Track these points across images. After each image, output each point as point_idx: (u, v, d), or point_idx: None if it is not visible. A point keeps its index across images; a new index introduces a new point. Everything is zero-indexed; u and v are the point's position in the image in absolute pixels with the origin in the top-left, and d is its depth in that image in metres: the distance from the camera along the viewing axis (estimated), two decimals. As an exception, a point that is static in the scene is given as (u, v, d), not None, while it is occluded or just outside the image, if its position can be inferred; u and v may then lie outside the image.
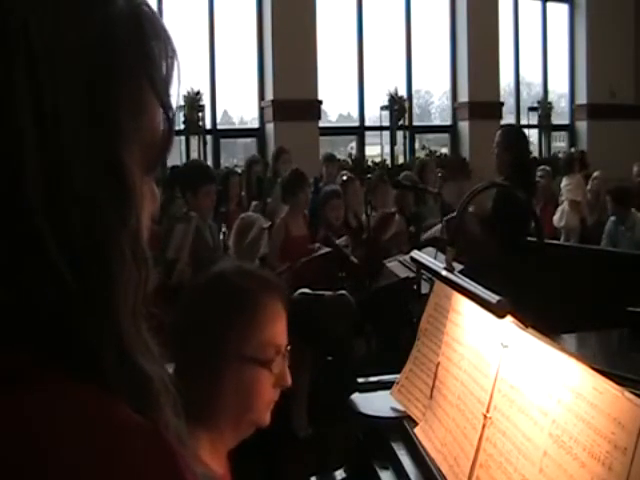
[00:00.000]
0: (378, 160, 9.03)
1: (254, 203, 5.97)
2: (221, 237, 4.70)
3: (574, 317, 2.66)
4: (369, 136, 9.15)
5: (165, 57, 0.60)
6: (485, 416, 1.46)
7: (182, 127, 7.48)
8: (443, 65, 9.64)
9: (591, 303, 3.75)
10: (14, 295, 0.53)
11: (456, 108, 9.60)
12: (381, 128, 8.93)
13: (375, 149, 9.23)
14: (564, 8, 10.65)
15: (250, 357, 1.34)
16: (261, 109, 8.26)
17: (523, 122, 10.13)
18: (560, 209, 7.78)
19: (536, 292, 2.02)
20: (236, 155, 8.92)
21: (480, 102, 9.27)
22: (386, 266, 4.62)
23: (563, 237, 7.59)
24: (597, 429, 1.14)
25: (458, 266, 2.04)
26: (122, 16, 0.58)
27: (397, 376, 1.96)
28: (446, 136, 9.81)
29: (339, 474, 1.97)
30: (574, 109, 10.70)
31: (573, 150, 9.32)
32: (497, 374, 1.47)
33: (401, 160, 9.09)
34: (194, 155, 7.61)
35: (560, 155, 10.08)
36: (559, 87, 10.97)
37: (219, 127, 8.28)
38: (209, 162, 7.61)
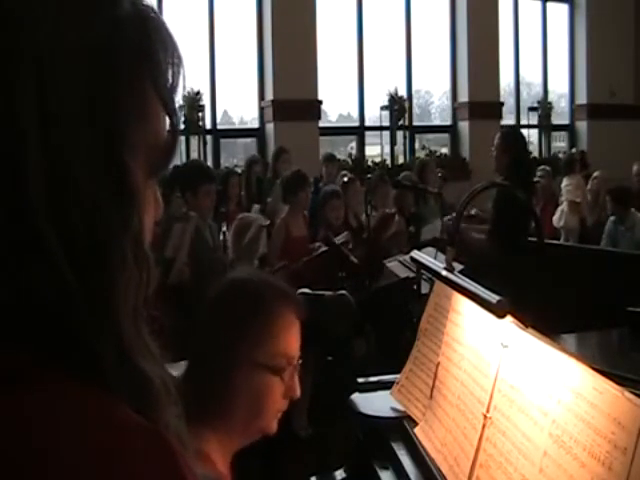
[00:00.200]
0: (378, 160, 9.02)
1: (256, 206, 5.96)
2: (221, 237, 4.70)
3: (574, 317, 2.66)
4: (369, 136, 9.15)
5: (171, 63, 0.61)
6: (485, 416, 1.46)
7: (182, 127, 7.47)
8: (443, 65, 9.64)
9: (591, 303, 3.75)
10: (15, 295, 0.53)
11: (456, 108, 9.60)
12: (381, 128, 8.93)
13: (375, 149, 9.23)
14: (564, 8, 10.65)
15: (262, 364, 1.37)
16: (261, 109, 8.26)
17: (523, 122, 10.13)
18: (560, 209, 7.78)
19: (536, 292, 2.02)
20: (236, 155, 8.92)
21: (480, 102, 9.27)
22: (386, 266, 4.62)
23: (563, 237, 7.59)
24: (597, 429, 1.14)
25: (458, 266, 2.04)
26: (128, 19, 0.58)
27: (397, 376, 1.96)
28: (446, 136, 9.80)
29: (339, 474, 1.97)
30: (574, 109, 10.70)
31: (574, 150, 9.32)
32: (497, 374, 1.47)
33: (401, 160, 9.08)
34: (194, 155, 7.60)
35: (560, 155, 10.08)
36: (559, 87, 10.98)
37: (219, 127, 8.28)
38: (209, 162, 7.61)
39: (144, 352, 0.58)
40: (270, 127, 8.10)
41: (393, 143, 8.92)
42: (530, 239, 4.22)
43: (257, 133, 8.34)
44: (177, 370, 1.36)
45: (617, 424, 1.10)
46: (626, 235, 6.40)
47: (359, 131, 9.03)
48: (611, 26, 10.24)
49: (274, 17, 7.97)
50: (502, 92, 9.84)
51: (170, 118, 0.61)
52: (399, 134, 8.95)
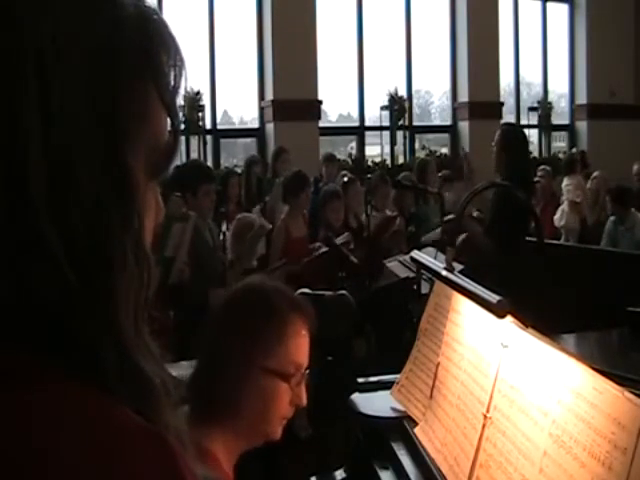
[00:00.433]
0: (378, 160, 9.02)
1: (257, 208, 5.96)
2: (221, 237, 4.70)
3: (574, 317, 2.66)
4: (369, 136, 9.15)
5: (173, 65, 0.61)
6: (485, 416, 1.46)
7: (182, 127, 7.47)
8: (443, 65, 9.64)
9: (591, 303, 3.75)
10: (15, 295, 0.53)
11: (456, 108, 9.60)
12: (381, 128, 8.93)
13: (375, 149, 9.23)
14: (564, 8, 10.65)
15: (272, 370, 1.40)
16: (261, 109, 8.26)
17: (523, 122, 10.12)
18: (560, 209, 7.78)
19: (536, 292, 2.02)
20: (236, 155, 8.92)
21: (480, 102, 9.27)
22: (386, 266, 4.62)
23: (563, 237, 7.59)
24: (597, 429, 1.14)
25: (458, 266, 2.04)
26: (129, 20, 0.58)
27: (397, 376, 1.96)
28: (446, 136, 9.81)
29: (339, 474, 1.97)
30: (574, 109, 10.70)
31: (574, 150, 9.32)
32: (497, 374, 1.47)
33: (401, 160, 9.08)
34: (194, 155, 7.61)
35: (560, 155, 10.08)
36: (559, 87, 10.98)
37: (219, 127, 8.28)
38: (209, 162, 7.61)
39: (144, 352, 0.58)
40: (270, 127, 8.10)
41: (393, 143, 8.92)
42: (530, 239, 4.22)
43: (257, 133, 8.34)
44: (177, 370, 1.37)
45: (617, 424, 1.10)
46: (626, 235, 6.40)
47: (359, 131, 9.03)
48: (611, 26, 10.24)
49: (274, 17, 7.97)
50: (502, 92, 9.84)
51: (172, 120, 0.61)
52: (399, 134, 8.95)
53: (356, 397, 2.02)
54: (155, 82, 0.59)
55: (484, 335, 1.58)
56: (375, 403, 1.97)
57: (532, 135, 10.20)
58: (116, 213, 0.56)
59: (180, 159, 7.11)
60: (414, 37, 9.29)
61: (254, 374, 1.40)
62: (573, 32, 10.67)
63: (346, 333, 4.05)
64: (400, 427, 1.82)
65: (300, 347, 1.45)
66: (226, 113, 8.88)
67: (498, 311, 1.43)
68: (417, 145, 9.61)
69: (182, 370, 1.51)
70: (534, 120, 10.23)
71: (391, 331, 4.38)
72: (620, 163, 8.42)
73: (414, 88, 9.50)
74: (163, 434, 0.54)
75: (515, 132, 5.15)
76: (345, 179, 6.04)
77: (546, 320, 1.47)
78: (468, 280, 1.64)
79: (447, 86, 9.76)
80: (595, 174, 7.78)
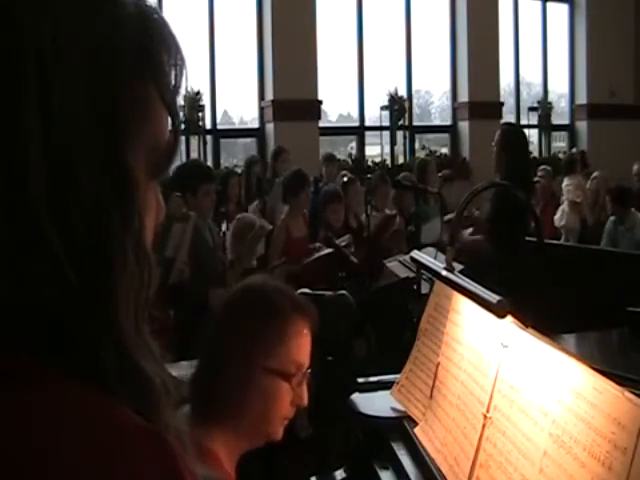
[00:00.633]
0: (378, 160, 9.02)
1: (254, 203, 5.96)
2: (221, 236, 4.70)
3: (574, 317, 2.66)
4: (369, 136, 9.15)
5: (174, 64, 0.61)
6: (485, 416, 1.46)
7: (182, 127, 7.47)
8: (443, 65, 9.64)
9: (591, 303, 3.75)
10: (15, 295, 0.53)
11: (456, 108, 9.60)
12: (381, 128, 8.92)
13: (375, 149, 9.23)
14: (564, 8, 10.65)
15: (274, 369, 1.40)
16: (261, 109, 8.26)
17: (523, 122, 10.11)
18: (561, 209, 7.78)
19: (536, 292, 2.02)
20: (236, 155, 8.92)
21: (480, 102, 9.27)
22: (386, 266, 4.61)
23: (563, 237, 7.59)
24: (597, 429, 1.14)
25: (458, 266, 2.04)
26: (131, 20, 0.58)
27: (397, 376, 1.96)
28: (446, 136, 9.80)
29: (339, 474, 1.97)
30: (574, 109, 10.70)
31: (574, 150, 9.31)
32: (497, 374, 1.47)
33: (401, 160, 9.08)
34: (194, 155, 7.60)
35: (560, 155, 10.08)
36: (559, 87, 10.98)
37: (219, 127, 8.28)
38: (209, 162, 7.61)
39: (145, 352, 0.58)
40: (270, 127, 8.10)
41: (393, 143, 8.92)
42: (530, 239, 4.22)
43: (257, 133, 8.34)
44: (177, 370, 1.37)
45: (617, 424, 1.10)
46: (626, 235, 6.40)
47: (359, 131, 9.03)
48: (611, 26, 10.24)
49: (274, 17, 7.97)
50: (502, 92, 9.84)
51: (172, 119, 0.61)
52: (399, 134, 8.95)
53: (356, 397, 2.02)
54: (155, 82, 0.59)
55: (484, 335, 1.58)
56: (375, 403, 1.96)
57: (532, 135, 10.20)
58: (116, 213, 0.56)
59: (180, 159, 7.11)
60: (414, 37, 9.29)
61: (255, 374, 1.39)
62: (573, 32, 10.66)
63: (346, 333, 4.05)
64: (400, 427, 1.82)
65: (301, 347, 1.45)
66: (226, 113, 8.88)
67: (498, 311, 1.43)
68: (417, 145, 9.61)
69: (182, 370, 1.51)
70: (534, 120, 10.23)
71: (391, 331, 4.38)
72: (620, 163, 8.42)
73: (414, 88, 9.50)
74: (163, 434, 0.54)
75: (515, 132, 5.14)
76: (345, 179, 6.04)
77: (546, 320, 1.47)
78: (468, 280, 1.64)
79: (447, 86, 9.76)
80: (595, 174, 7.78)
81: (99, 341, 0.55)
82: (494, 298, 1.45)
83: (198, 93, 7.63)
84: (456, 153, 9.48)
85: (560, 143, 10.87)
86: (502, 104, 9.62)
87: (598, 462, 1.12)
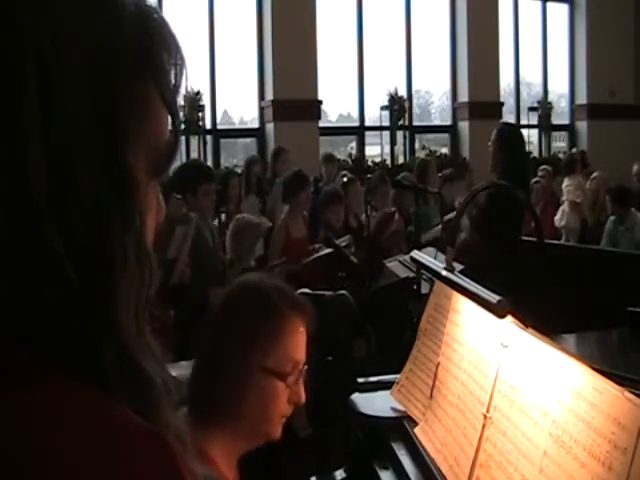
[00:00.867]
0: (378, 160, 9.03)
1: (249, 198, 5.95)
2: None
3: (574, 317, 2.66)
4: (369, 136, 9.15)
5: (174, 64, 0.61)
6: (485, 416, 1.46)
7: (182, 127, 7.46)
8: (443, 65, 9.64)
9: (591, 303, 3.74)
10: (16, 295, 0.53)
11: (456, 108, 9.60)
12: (381, 128, 8.93)
13: (375, 149, 9.23)
14: (564, 8, 10.65)
15: (271, 369, 1.39)
16: (261, 109, 8.26)
17: (523, 122, 10.12)
18: (561, 209, 7.78)
19: (536, 292, 2.02)
20: (236, 155, 8.92)
21: (480, 102, 9.27)
22: (386, 266, 4.61)
23: (564, 237, 7.58)
24: (597, 429, 1.14)
25: (458, 266, 2.04)
26: (131, 20, 0.58)
27: (397, 376, 1.96)
28: (446, 136, 9.81)
29: (339, 474, 1.97)
30: (574, 109, 10.70)
31: (574, 150, 9.31)
32: (497, 374, 1.47)
33: (401, 160, 9.08)
34: (194, 155, 7.60)
35: (560, 155, 10.08)
36: (559, 87, 10.98)
37: (219, 127, 8.28)
38: (209, 162, 7.61)
39: (145, 351, 0.58)
40: (270, 127, 8.10)
41: (393, 143, 8.92)
42: (529, 239, 4.22)
43: (257, 133, 8.34)
44: (177, 370, 1.37)
45: (617, 424, 1.10)
46: (626, 235, 6.40)
47: (359, 131, 9.03)
48: (611, 26, 10.24)
49: (274, 17, 7.97)
50: (502, 92, 9.84)
51: (172, 119, 0.61)
52: (399, 134, 8.95)
53: (356, 397, 2.02)
54: (156, 81, 0.59)
55: (484, 335, 1.58)
56: (375, 403, 1.96)
57: (532, 135, 10.21)
58: (116, 213, 0.56)
59: (180, 159, 7.11)
60: (414, 37, 9.29)
61: (253, 374, 1.39)
62: (573, 32, 10.67)
63: (346, 333, 4.05)
64: (400, 427, 1.82)
65: (298, 344, 1.44)
66: (226, 113, 8.88)
67: (498, 311, 1.43)
68: (417, 145, 9.61)
69: (182, 370, 1.50)
70: (534, 120, 10.23)
71: (391, 331, 4.37)
72: (620, 163, 8.42)
73: (414, 88, 9.51)
74: (163, 434, 0.54)
75: (511, 131, 5.14)
76: (345, 179, 6.04)
77: (546, 320, 1.47)
78: (468, 280, 1.64)
79: (447, 86, 9.76)
80: (595, 174, 7.78)
81: (99, 341, 0.55)
82: (494, 298, 1.45)
83: (198, 93, 7.63)
84: (456, 153, 9.48)
85: (560, 143, 10.87)
86: (502, 104, 9.62)
87: (598, 462, 1.12)
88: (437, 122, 10.37)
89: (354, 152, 9.06)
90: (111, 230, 0.55)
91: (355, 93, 8.96)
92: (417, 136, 9.62)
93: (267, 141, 8.14)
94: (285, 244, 4.96)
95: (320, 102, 8.28)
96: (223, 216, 5.30)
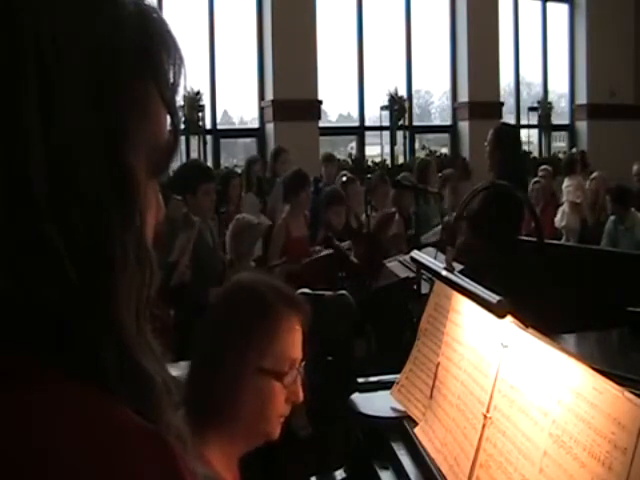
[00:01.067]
0: (378, 160, 9.03)
1: (250, 200, 5.94)
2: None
3: (574, 317, 2.66)
4: (369, 136, 9.15)
5: (173, 64, 0.61)
6: (485, 416, 1.46)
7: (182, 127, 7.46)
8: (443, 65, 9.64)
9: (591, 303, 3.74)
10: (16, 294, 0.53)
11: (456, 108, 9.60)
12: (381, 128, 8.93)
13: (375, 149, 9.23)
14: (564, 8, 10.65)
15: (267, 369, 1.38)
16: (261, 109, 8.26)
17: (523, 122, 10.13)
18: (561, 210, 7.78)
19: (536, 292, 2.02)
20: (236, 155, 8.92)
21: (480, 102, 9.27)
22: (386, 266, 4.61)
23: (564, 238, 7.58)
24: (597, 429, 1.14)
25: (458, 266, 2.04)
26: (130, 19, 0.58)
27: (397, 376, 1.96)
28: (446, 136, 9.81)
29: (339, 474, 1.97)
30: (574, 109, 10.70)
31: (574, 150, 9.31)
32: (497, 374, 1.47)
33: (401, 160, 9.09)
34: (194, 155, 7.60)
35: (560, 155, 10.08)
36: (559, 87, 10.98)
37: (219, 127, 8.28)
38: (209, 162, 7.61)
39: (146, 351, 0.58)
40: (270, 127, 8.10)
41: (393, 143, 8.92)
42: (528, 239, 4.22)
43: (257, 133, 8.34)
44: (177, 370, 1.36)
45: (617, 424, 1.10)
46: (626, 235, 6.40)
47: (359, 131, 9.03)
48: (611, 26, 10.24)
49: (274, 17, 7.97)
50: (502, 92, 9.84)
51: (172, 118, 0.61)
52: (399, 134, 8.95)
53: (356, 397, 2.02)
54: (155, 81, 0.59)
55: (484, 335, 1.58)
56: (375, 403, 1.96)
57: (532, 135, 10.22)
58: (116, 213, 0.56)
59: (180, 159, 7.12)
60: (414, 37, 9.29)
61: (250, 375, 1.37)
62: (573, 32, 10.66)
63: (346, 333, 4.05)
64: (400, 427, 1.82)
65: (295, 343, 1.42)
66: (226, 113, 8.88)
67: (498, 311, 1.43)
68: (417, 145, 9.61)
69: (182, 370, 1.50)
70: (534, 120, 10.23)
71: (391, 331, 4.38)
72: (620, 163, 8.42)
73: (414, 88, 9.51)
74: (163, 434, 0.54)
75: (508, 131, 5.14)
76: (345, 179, 6.04)
77: (546, 320, 1.47)
78: (468, 280, 1.64)
79: (447, 86, 9.76)
80: (595, 174, 7.78)
81: (99, 341, 0.55)
82: (494, 298, 1.45)
83: (198, 93, 7.63)
84: (456, 153, 9.48)
85: (560, 143, 10.87)
86: (502, 104, 9.62)
87: (598, 462, 1.12)
88: (437, 122, 10.37)
89: (354, 152, 9.06)
90: (111, 230, 0.55)
91: (355, 93, 8.96)
92: (417, 136, 9.62)
93: (267, 141, 8.14)
94: (285, 243, 4.96)
95: (320, 102, 8.29)
96: (223, 216, 5.30)
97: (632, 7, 10.78)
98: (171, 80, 0.61)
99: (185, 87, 0.63)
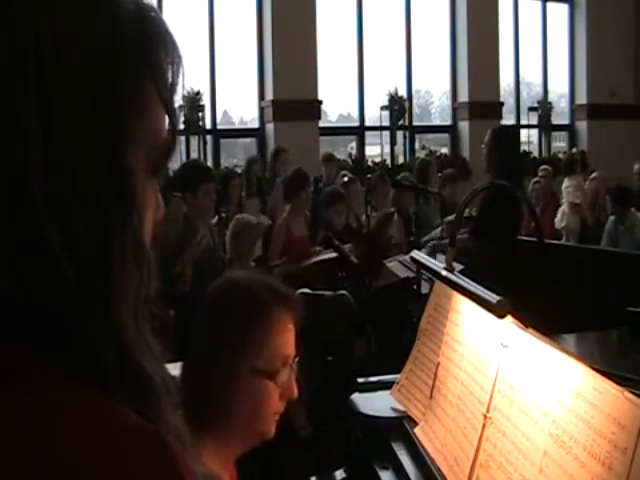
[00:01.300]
0: (378, 160, 9.03)
1: (252, 201, 5.95)
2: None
3: (574, 317, 2.66)
4: (369, 136, 9.15)
5: (171, 62, 0.61)
6: (485, 416, 1.46)
7: (182, 127, 7.47)
8: (443, 65, 9.64)
9: (591, 303, 3.75)
10: (16, 295, 0.53)
11: (456, 108, 9.60)
12: (381, 128, 8.93)
13: (375, 149, 9.23)
14: (564, 8, 10.65)
15: (261, 369, 1.37)
16: (261, 109, 8.26)
17: (523, 122, 10.13)
18: (561, 210, 7.78)
19: (536, 292, 2.02)
20: (236, 155, 8.92)
21: (480, 102, 9.27)
22: (386, 266, 4.61)
23: (564, 238, 7.58)
24: (597, 429, 1.14)
25: (458, 266, 2.04)
26: (129, 18, 0.58)
27: (397, 376, 1.96)
28: (446, 136, 9.81)
29: (339, 474, 1.97)
30: (574, 109, 10.70)
31: (574, 150, 9.31)
32: (497, 374, 1.47)
33: (401, 160, 9.09)
34: (194, 155, 7.61)
35: (560, 155, 10.08)
36: (559, 87, 10.98)
37: (219, 127, 8.28)
38: (209, 162, 7.61)
39: (145, 350, 0.58)
40: (270, 127, 8.10)
41: (393, 143, 8.93)
42: (528, 239, 4.22)
43: (257, 133, 8.34)
44: (177, 370, 1.36)
45: (617, 424, 1.10)
46: (626, 235, 6.40)
47: (359, 131, 9.03)
48: (611, 26, 10.24)
49: (274, 17, 7.97)
50: (502, 92, 9.84)
51: (170, 117, 0.61)
52: (399, 134, 8.95)
53: (356, 397, 2.02)
54: (154, 80, 0.59)
55: (484, 335, 1.58)
56: (375, 403, 1.96)
57: (532, 135, 10.22)
58: (116, 213, 0.56)
59: (180, 159, 7.12)
60: (414, 37, 9.29)
61: (245, 374, 1.36)
62: (573, 32, 10.66)
63: (346, 333, 4.04)
64: (400, 427, 1.82)
65: (287, 340, 1.41)
66: (226, 113, 8.88)
67: (498, 311, 1.43)
68: (417, 145, 9.61)
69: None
70: (534, 120, 10.23)
71: (391, 331, 4.37)
72: (620, 163, 8.42)
73: (414, 88, 9.51)
74: (163, 434, 0.54)
75: (505, 132, 5.15)
76: (345, 179, 6.04)
77: (546, 320, 1.47)
78: (468, 280, 1.64)
79: (447, 86, 9.76)
80: (594, 174, 7.78)
81: (99, 341, 0.55)
82: (494, 298, 1.45)
83: (198, 93, 7.63)
84: (456, 153, 9.49)
85: (560, 143, 10.87)
86: (502, 104, 9.62)
87: (598, 462, 1.12)
88: (437, 122, 10.37)
89: (354, 152, 9.07)
90: (111, 230, 0.55)
91: (355, 93, 8.96)
92: (417, 136, 9.62)
93: (267, 141, 8.15)
94: (286, 243, 4.96)
95: (320, 102, 8.29)
96: (223, 216, 5.30)
97: (632, 7, 10.78)
98: (169, 79, 0.61)
99: (183, 86, 0.63)
